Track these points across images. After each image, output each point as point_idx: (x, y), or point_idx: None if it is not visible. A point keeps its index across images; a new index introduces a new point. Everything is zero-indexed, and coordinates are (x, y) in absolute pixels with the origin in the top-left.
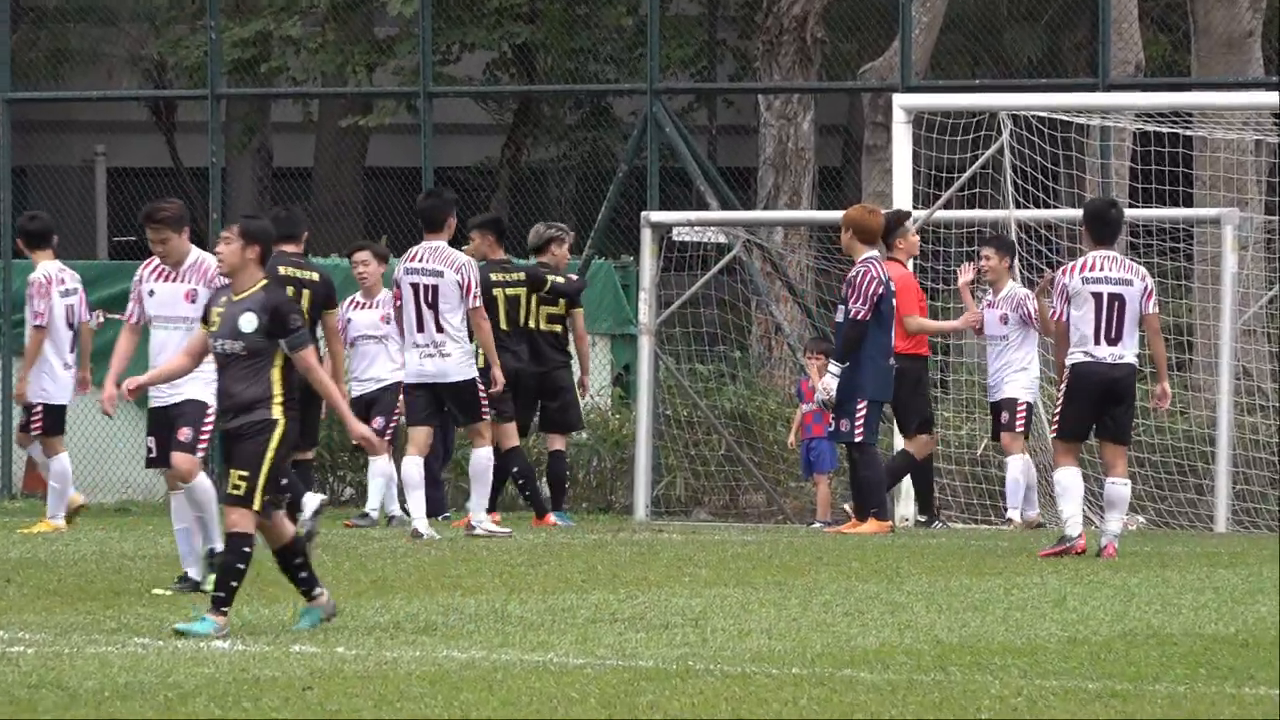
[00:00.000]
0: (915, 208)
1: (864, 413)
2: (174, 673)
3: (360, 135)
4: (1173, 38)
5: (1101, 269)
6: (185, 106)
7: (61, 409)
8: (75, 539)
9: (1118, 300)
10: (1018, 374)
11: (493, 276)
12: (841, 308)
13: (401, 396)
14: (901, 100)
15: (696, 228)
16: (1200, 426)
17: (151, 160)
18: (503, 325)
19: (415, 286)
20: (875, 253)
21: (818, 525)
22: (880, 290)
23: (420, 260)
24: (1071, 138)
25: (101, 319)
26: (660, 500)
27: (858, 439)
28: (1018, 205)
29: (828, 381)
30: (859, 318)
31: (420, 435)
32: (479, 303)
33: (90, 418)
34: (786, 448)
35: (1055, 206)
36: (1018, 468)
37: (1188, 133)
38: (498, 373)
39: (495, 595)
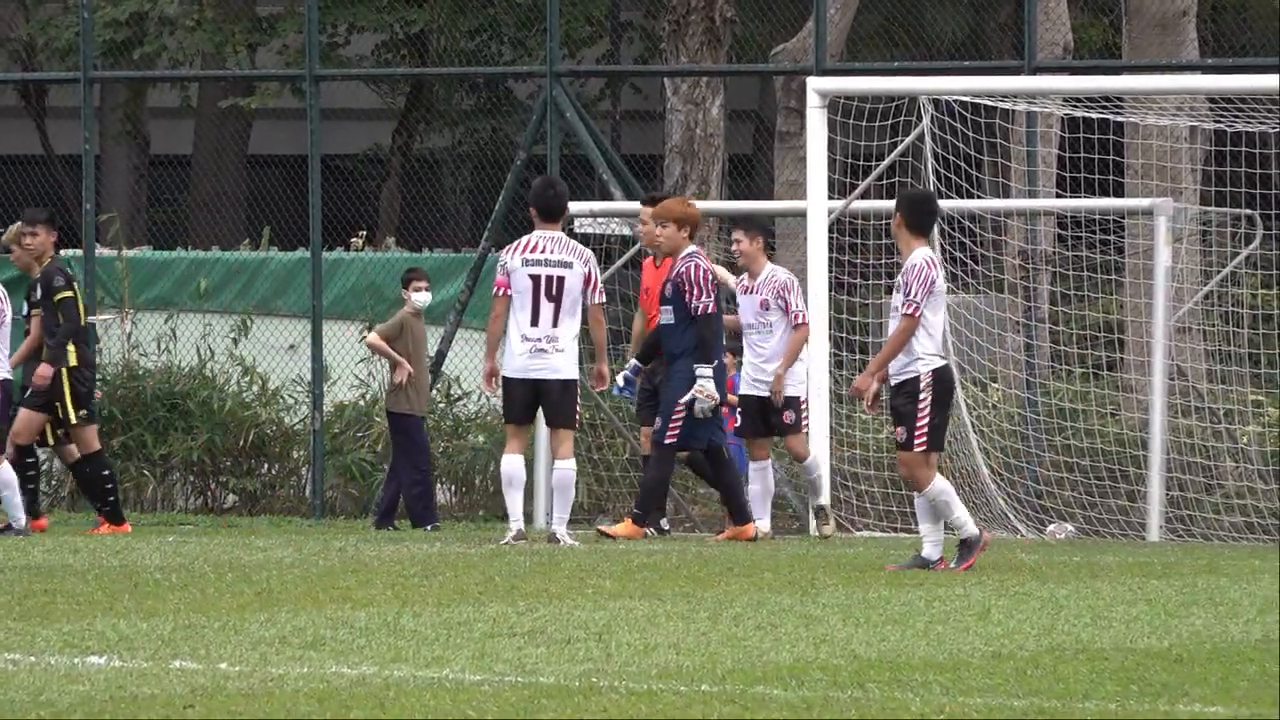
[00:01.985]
0: (831, 197)
1: (683, 413)
2: (46, 690)
3: (242, 121)
4: (1108, 19)
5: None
6: (57, 90)
7: None
8: None
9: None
10: (774, 366)
11: None
12: (666, 309)
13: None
14: (816, 84)
15: (599, 219)
16: (1132, 429)
17: (21, 147)
18: None
19: (537, 278)
20: (696, 246)
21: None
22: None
23: (543, 251)
24: (996, 124)
25: None
26: None
27: (668, 441)
28: (940, 195)
29: (706, 387)
30: (711, 311)
31: (523, 433)
32: (603, 298)
33: None
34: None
35: (979, 196)
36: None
37: (1119, 118)
38: (604, 369)
39: (387, 608)
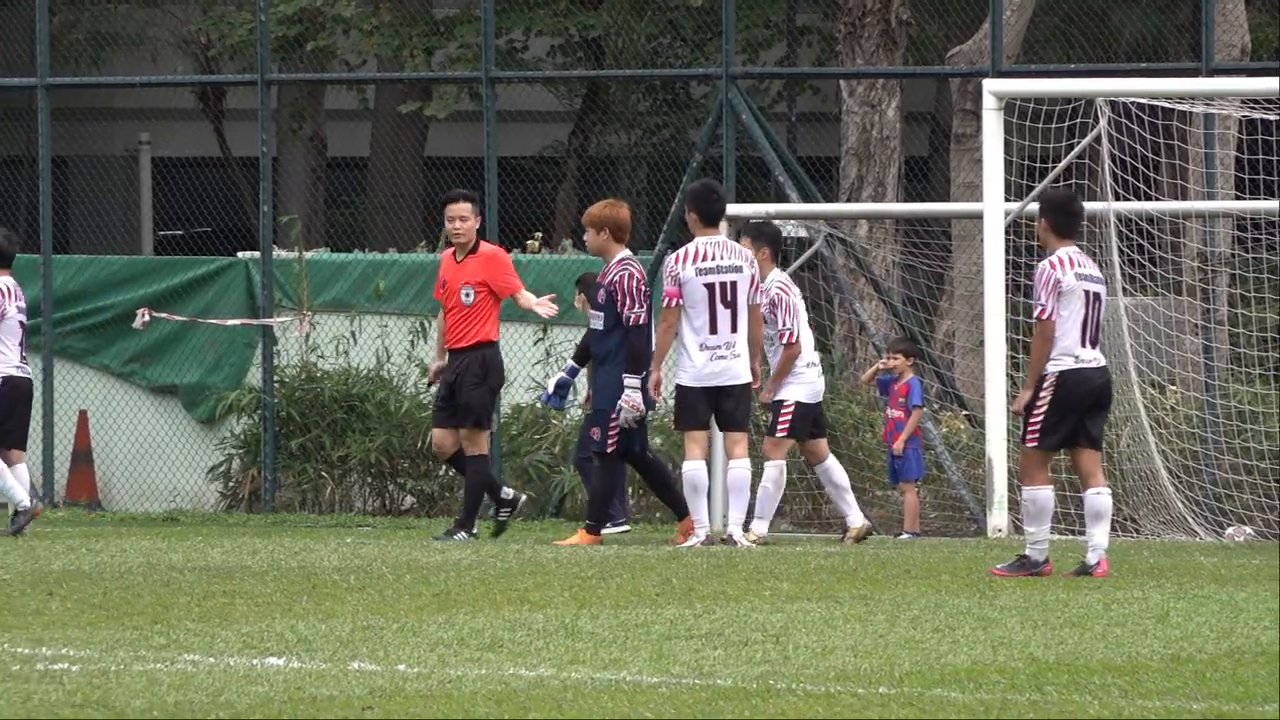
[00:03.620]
0: (1008, 199)
1: (616, 423)
2: (225, 691)
3: (419, 123)
4: None
5: (1084, 265)
6: (234, 92)
7: None
8: (122, 550)
9: (1098, 299)
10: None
11: None
12: (597, 315)
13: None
14: (992, 85)
15: (775, 221)
16: None
17: (199, 149)
18: None
19: (712, 286)
20: (628, 251)
21: (906, 536)
22: (648, 289)
23: (713, 258)
24: (1174, 125)
25: (147, 318)
26: None
27: (609, 449)
28: (1117, 197)
29: (632, 397)
30: (641, 322)
31: (704, 439)
32: (762, 298)
33: (137, 424)
34: (871, 454)
35: (1157, 198)
36: (773, 475)
37: None
38: (758, 367)
39: (565, 609)
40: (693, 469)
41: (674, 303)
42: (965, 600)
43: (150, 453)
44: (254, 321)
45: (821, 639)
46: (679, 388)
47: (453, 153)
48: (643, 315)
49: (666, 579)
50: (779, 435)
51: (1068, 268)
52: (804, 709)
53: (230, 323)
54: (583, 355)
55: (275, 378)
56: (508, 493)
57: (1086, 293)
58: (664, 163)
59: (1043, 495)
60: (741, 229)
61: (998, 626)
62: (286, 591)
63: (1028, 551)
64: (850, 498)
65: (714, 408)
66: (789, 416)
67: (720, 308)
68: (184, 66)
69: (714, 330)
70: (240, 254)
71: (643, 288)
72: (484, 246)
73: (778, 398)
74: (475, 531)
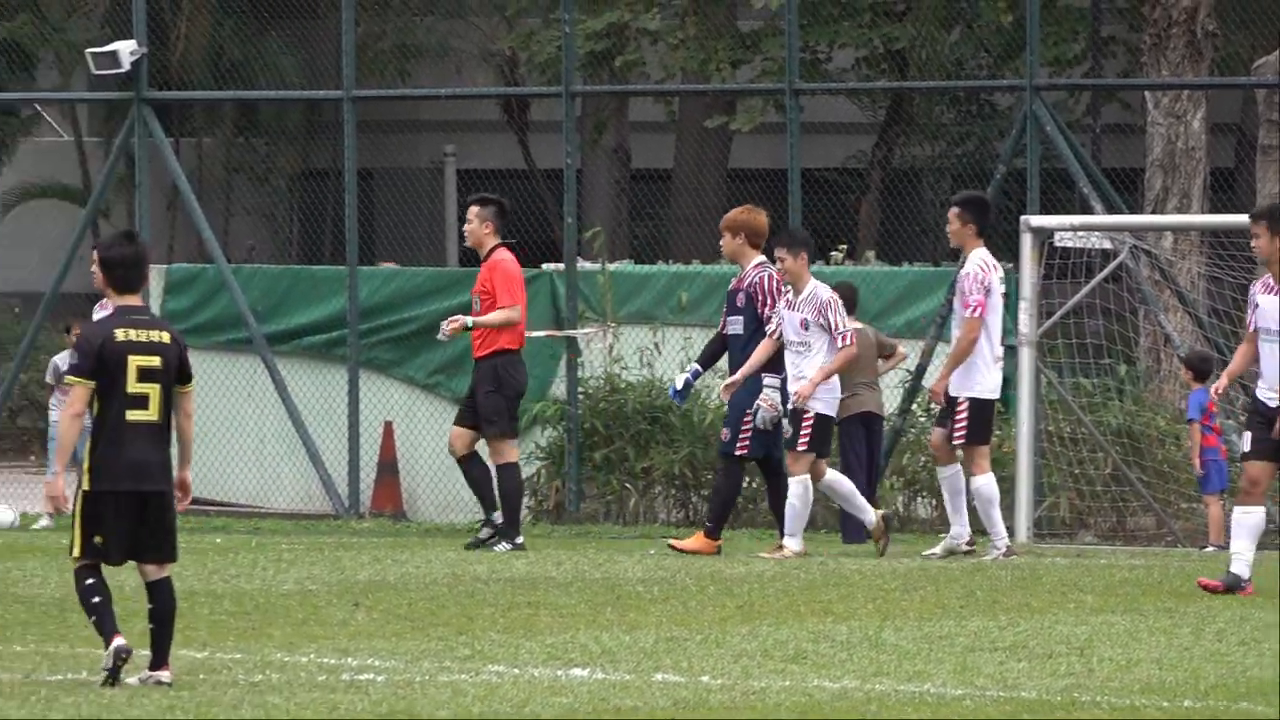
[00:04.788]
0: None
1: (750, 426)
2: (530, 702)
3: (723, 136)
4: None
5: None
6: (538, 104)
7: None
8: (427, 561)
9: None
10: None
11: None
12: (735, 319)
13: None
14: None
15: (1080, 233)
16: None
17: (503, 161)
18: None
19: (1005, 297)
20: (764, 256)
21: (1210, 549)
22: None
23: (996, 269)
24: None
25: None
26: (1043, 522)
27: (739, 451)
28: None
29: (771, 397)
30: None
31: (989, 452)
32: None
33: (443, 436)
34: (1176, 467)
35: None
36: (798, 491)
37: None
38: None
39: (868, 621)
40: (986, 482)
41: (979, 313)
42: (1270, 614)
43: (453, 466)
44: (558, 333)
45: (1126, 652)
46: (980, 402)
47: (756, 164)
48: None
49: (971, 591)
50: (800, 449)
51: None
52: None
53: (534, 334)
54: (709, 357)
55: (579, 389)
56: (497, 517)
57: None
58: (968, 174)
59: (1255, 512)
60: (774, 241)
61: None
62: (591, 603)
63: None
64: (859, 500)
65: None
66: (810, 429)
67: (1003, 318)
68: (487, 79)
69: (1003, 340)
70: (545, 266)
71: (781, 288)
72: (496, 254)
73: (797, 408)
74: (520, 540)
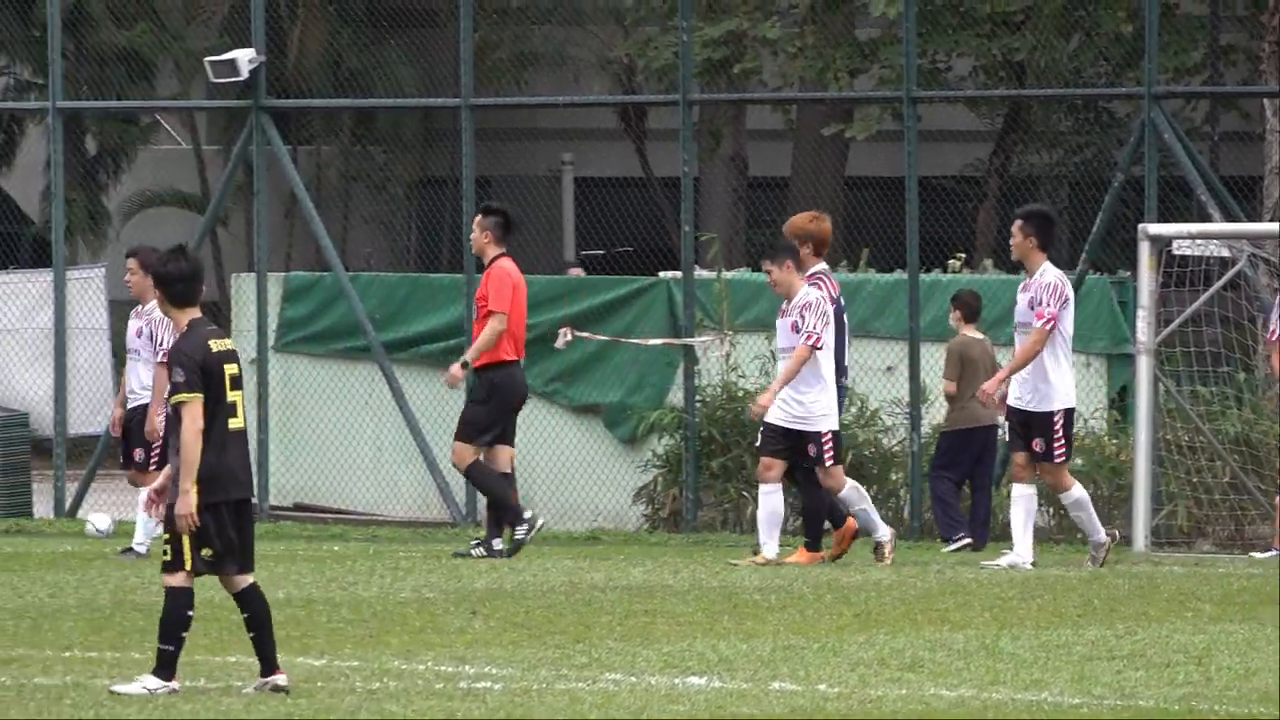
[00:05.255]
0: None
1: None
2: (647, 710)
3: (840, 143)
4: None
5: None
6: (655, 112)
7: None
8: (544, 569)
9: None
10: (817, 398)
11: None
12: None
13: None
14: None
15: (1198, 241)
16: None
17: (621, 169)
18: None
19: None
20: (825, 264)
21: None
22: (839, 306)
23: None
24: None
25: (570, 337)
26: (1160, 530)
27: (827, 463)
28: None
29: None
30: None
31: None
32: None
33: (560, 444)
34: None
35: None
36: (853, 498)
37: None
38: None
39: (985, 630)
40: (1080, 491)
41: (1051, 325)
42: None
43: (572, 472)
44: (675, 341)
45: (1244, 661)
46: (1070, 412)
47: (873, 172)
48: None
49: (1088, 600)
50: (829, 464)
51: None
52: None
53: (652, 342)
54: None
55: (697, 397)
56: (496, 545)
57: None
58: (1086, 182)
59: None
60: (764, 252)
61: None
62: (708, 611)
63: None
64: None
65: None
66: (831, 443)
67: None
68: (604, 86)
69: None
70: (662, 274)
71: (831, 300)
72: (495, 263)
73: (815, 429)
74: (499, 548)
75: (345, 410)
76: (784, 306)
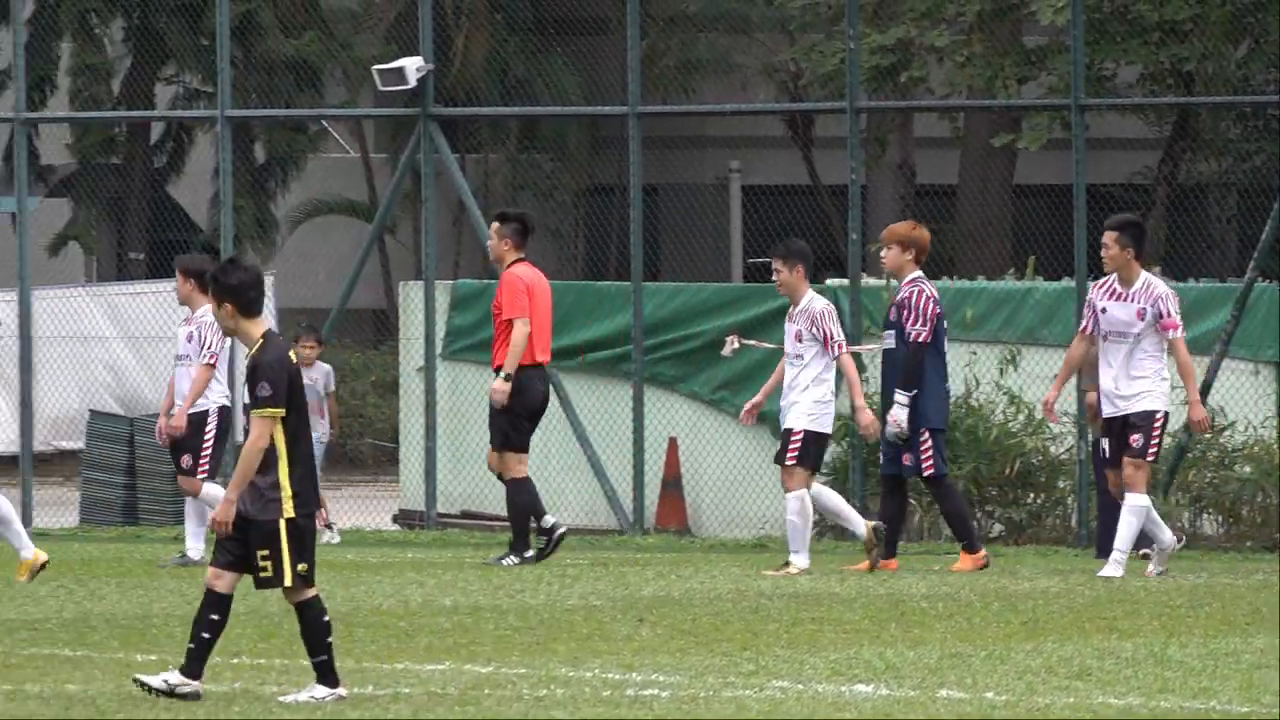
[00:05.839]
0: None
1: (929, 443)
2: (815, 718)
3: (1008, 151)
4: None
5: None
6: (822, 120)
7: None
8: (711, 577)
9: None
10: (802, 396)
11: None
12: (890, 332)
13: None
14: None
15: None
16: None
17: (788, 177)
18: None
19: None
20: (921, 272)
21: None
22: (939, 310)
23: None
24: None
25: (736, 344)
26: None
27: (927, 472)
28: None
29: (897, 414)
30: (921, 340)
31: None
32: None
33: (727, 451)
34: None
35: None
36: (794, 507)
37: None
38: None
39: (1153, 638)
40: (1148, 501)
41: (1183, 332)
42: None
43: (740, 479)
44: (849, 349)
45: None
46: (1167, 417)
47: (1041, 180)
48: (925, 333)
49: (1256, 608)
50: (789, 464)
51: None
52: None
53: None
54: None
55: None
56: (548, 521)
57: None
58: (1254, 189)
59: None
60: (769, 252)
61: None
62: (875, 618)
63: None
64: (847, 512)
65: None
66: (798, 444)
67: None
68: (770, 94)
69: None
70: (829, 281)
71: (934, 308)
72: (508, 271)
73: (788, 425)
74: (529, 554)
75: None
76: (791, 312)
